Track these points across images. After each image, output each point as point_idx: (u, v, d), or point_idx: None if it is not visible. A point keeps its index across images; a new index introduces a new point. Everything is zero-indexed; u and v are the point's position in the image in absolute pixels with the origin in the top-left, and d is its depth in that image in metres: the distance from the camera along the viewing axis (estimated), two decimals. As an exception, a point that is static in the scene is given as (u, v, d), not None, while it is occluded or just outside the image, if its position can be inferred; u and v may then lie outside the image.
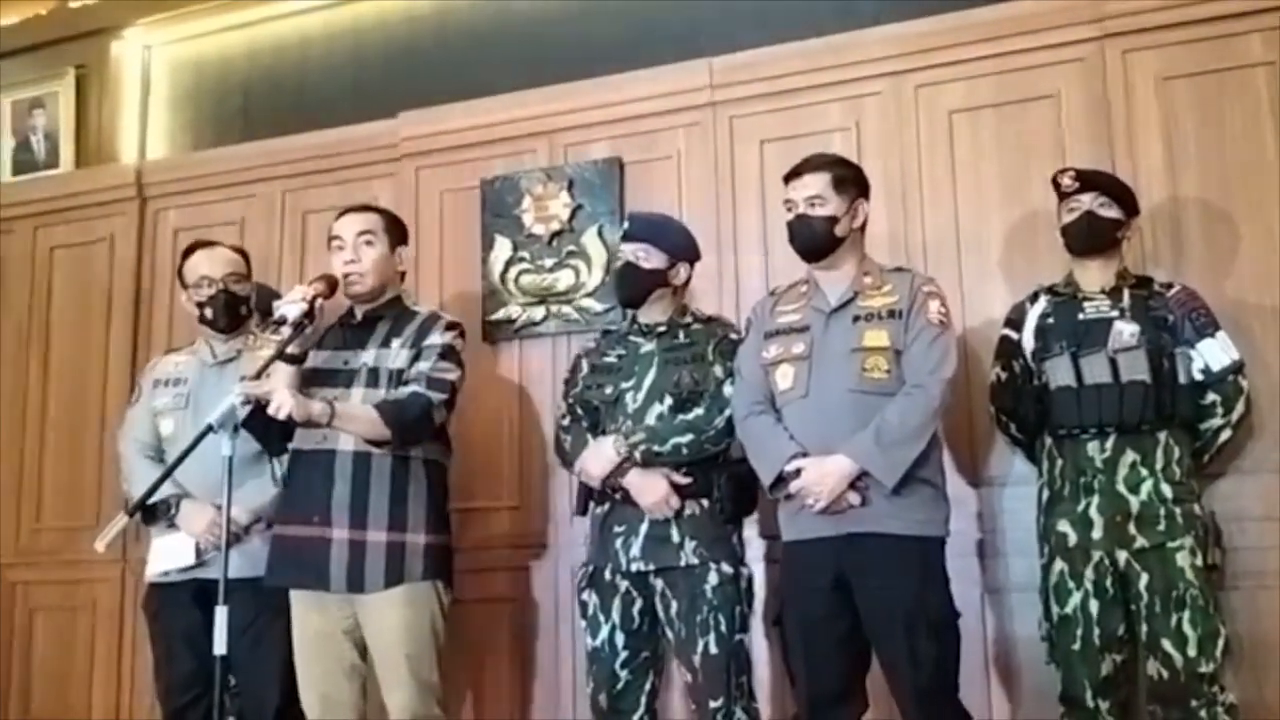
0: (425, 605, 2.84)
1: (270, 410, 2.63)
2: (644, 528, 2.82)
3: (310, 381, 2.88)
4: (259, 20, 4.52)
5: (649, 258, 2.94)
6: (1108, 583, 2.69)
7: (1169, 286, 2.87)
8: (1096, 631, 2.68)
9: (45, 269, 4.40)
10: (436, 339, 2.91)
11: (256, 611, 2.90)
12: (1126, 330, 2.74)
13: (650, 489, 2.80)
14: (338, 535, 2.80)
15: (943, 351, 2.68)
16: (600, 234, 3.62)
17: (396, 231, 3.02)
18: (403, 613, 2.80)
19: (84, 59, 4.74)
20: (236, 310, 3.20)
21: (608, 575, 2.86)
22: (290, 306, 2.74)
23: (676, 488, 2.80)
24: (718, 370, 2.89)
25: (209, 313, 3.17)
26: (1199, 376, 2.77)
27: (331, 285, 2.85)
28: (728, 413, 2.83)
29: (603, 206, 3.64)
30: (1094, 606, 2.69)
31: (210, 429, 2.48)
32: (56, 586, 4.12)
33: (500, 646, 3.54)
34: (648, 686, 2.85)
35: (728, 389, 2.86)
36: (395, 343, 2.91)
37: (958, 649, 2.65)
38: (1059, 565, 2.74)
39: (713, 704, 2.74)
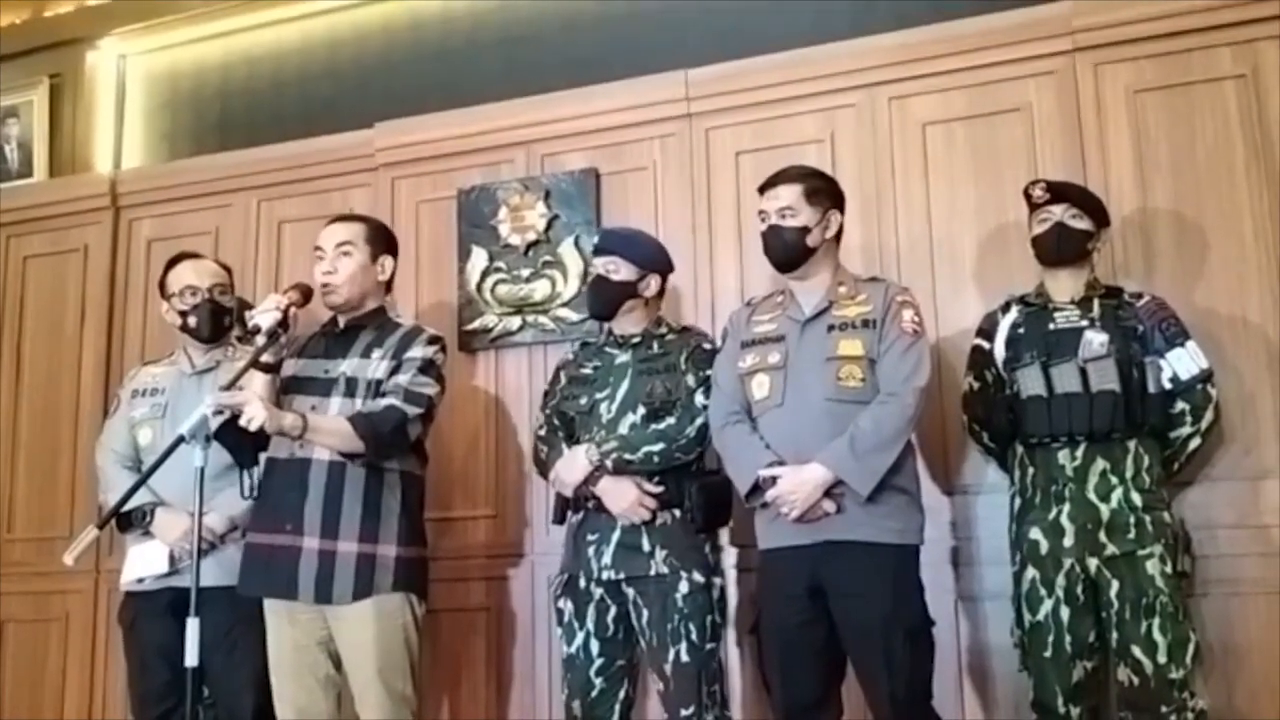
0: (396, 618, 2.81)
1: (242, 421, 2.62)
2: (616, 536, 2.83)
3: (289, 389, 2.87)
4: (235, 30, 4.51)
5: (619, 270, 2.95)
6: (1079, 590, 2.71)
7: (1139, 296, 2.89)
8: (1068, 638, 2.70)
9: (18, 279, 4.37)
10: (417, 352, 2.89)
11: (232, 621, 2.88)
12: (1096, 340, 2.77)
13: (621, 495, 2.81)
14: (308, 544, 2.78)
15: (916, 360, 2.70)
16: (576, 244, 3.62)
17: (381, 242, 3.00)
18: (373, 626, 2.77)
19: (59, 68, 4.73)
20: (221, 321, 3.19)
21: (582, 583, 2.86)
22: (264, 315, 2.74)
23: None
24: (689, 380, 2.90)
25: (193, 321, 3.15)
26: (1168, 385, 2.78)
27: (305, 294, 2.84)
28: (699, 422, 2.84)
29: (579, 217, 3.64)
30: (1065, 614, 2.70)
31: (182, 440, 2.47)
32: (28, 598, 4.08)
33: (477, 655, 3.53)
34: (622, 694, 2.86)
35: (699, 398, 2.87)
36: (375, 354, 2.90)
37: (932, 656, 2.67)
38: (1031, 573, 2.76)
39: (684, 712, 2.75)
